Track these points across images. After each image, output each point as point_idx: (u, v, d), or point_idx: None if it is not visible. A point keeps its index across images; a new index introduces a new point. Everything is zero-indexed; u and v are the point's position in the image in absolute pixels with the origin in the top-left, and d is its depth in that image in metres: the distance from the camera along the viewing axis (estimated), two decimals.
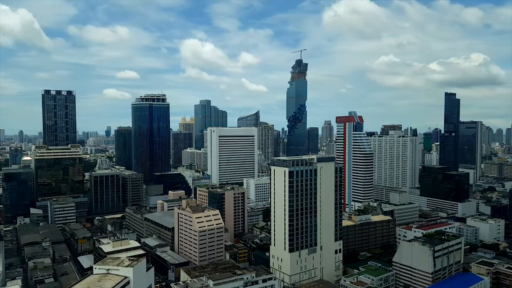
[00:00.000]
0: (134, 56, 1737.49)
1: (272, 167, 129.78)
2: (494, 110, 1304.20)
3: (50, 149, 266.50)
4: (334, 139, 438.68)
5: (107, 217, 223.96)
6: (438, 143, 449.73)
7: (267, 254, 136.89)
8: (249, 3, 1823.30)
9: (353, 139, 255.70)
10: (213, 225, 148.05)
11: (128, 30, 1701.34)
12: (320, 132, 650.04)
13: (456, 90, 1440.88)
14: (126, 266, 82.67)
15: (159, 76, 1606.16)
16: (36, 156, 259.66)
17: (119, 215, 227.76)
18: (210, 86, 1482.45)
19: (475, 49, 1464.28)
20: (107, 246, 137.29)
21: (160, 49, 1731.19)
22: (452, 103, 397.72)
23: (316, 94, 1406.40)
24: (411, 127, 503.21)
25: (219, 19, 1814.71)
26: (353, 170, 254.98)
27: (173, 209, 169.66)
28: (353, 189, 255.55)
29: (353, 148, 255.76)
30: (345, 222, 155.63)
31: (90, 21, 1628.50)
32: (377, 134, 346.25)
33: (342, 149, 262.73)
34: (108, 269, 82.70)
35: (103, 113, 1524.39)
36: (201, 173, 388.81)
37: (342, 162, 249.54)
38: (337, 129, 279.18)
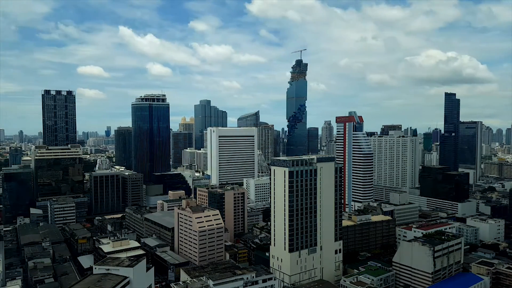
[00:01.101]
0: (114, 55, 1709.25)
1: (272, 167, 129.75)
2: (482, 110, 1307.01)
3: (50, 149, 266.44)
4: (334, 139, 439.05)
5: (107, 217, 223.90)
6: (438, 143, 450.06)
7: (267, 254, 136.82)
8: (222, 1, 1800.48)
9: (353, 139, 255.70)
10: (213, 225, 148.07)
11: (103, 29, 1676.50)
12: (320, 132, 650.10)
13: (441, 88, 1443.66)
14: (126, 266, 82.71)
15: (142, 76, 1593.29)
16: (36, 156, 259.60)
17: (119, 215, 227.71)
18: (189, 86, 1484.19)
19: (456, 47, 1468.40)
20: (107, 246, 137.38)
21: (136, 47, 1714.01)
22: (452, 103, 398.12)
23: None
24: (411, 127, 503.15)
25: (195, 17, 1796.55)
26: (353, 170, 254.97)
27: (173, 209, 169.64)
28: (353, 189, 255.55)
29: (353, 148, 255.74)
30: (345, 222, 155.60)
31: (62, 20, 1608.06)
32: (377, 134, 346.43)
33: (342, 149, 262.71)
34: (108, 269, 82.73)
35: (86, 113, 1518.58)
36: (201, 173, 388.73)
37: (342, 162, 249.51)
38: (337, 129, 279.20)
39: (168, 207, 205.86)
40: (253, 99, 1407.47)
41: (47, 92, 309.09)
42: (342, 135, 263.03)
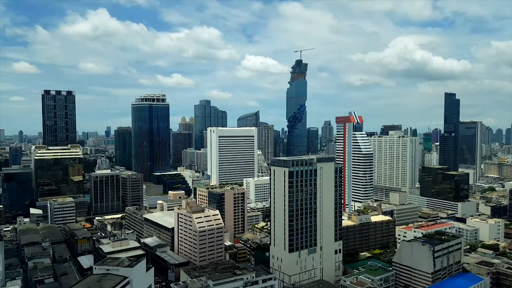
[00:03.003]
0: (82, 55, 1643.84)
1: (272, 167, 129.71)
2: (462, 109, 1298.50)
3: (50, 149, 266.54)
4: (334, 139, 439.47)
5: (107, 217, 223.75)
6: (438, 143, 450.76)
7: (267, 254, 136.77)
8: None
9: (353, 139, 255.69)
10: (213, 225, 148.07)
11: (58, 24, 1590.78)
12: (320, 132, 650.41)
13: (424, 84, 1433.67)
14: (126, 266, 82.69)
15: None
16: (36, 156, 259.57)
17: (119, 215, 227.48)
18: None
19: (429, 43, 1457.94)
20: (107, 246, 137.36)
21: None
22: (452, 104, 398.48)
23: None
24: (410, 127, 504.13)
25: (157, 12, 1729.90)
26: (353, 170, 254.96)
27: (173, 209, 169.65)
28: (353, 189, 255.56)
29: (353, 148, 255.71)
30: (345, 222, 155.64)
31: (16, 16, 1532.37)
32: (377, 134, 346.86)
33: (342, 149, 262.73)
34: (108, 269, 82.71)
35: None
36: (201, 173, 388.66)
37: (342, 162, 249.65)
38: (337, 129, 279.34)
39: (168, 207, 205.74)
40: (237, 98, 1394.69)
41: (46, 92, 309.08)
42: (342, 135, 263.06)
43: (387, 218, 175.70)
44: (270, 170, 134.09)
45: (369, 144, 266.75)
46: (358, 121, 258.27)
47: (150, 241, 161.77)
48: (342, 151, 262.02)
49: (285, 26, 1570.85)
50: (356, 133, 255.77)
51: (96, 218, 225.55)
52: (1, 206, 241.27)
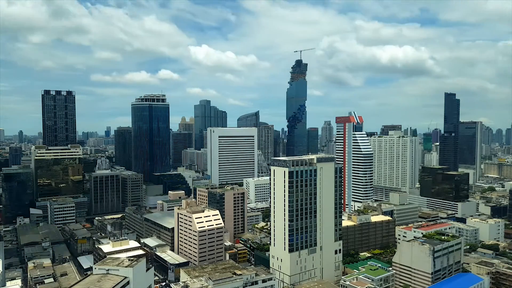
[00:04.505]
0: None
1: (272, 168, 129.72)
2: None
3: (50, 150, 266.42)
4: (334, 139, 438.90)
5: (107, 217, 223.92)
6: (438, 143, 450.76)
7: (267, 254, 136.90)
8: None
9: (353, 140, 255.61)
10: (213, 225, 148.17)
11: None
12: (320, 132, 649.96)
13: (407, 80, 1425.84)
14: (126, 266, 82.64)
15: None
16: (36, 156, 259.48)
17: (119, 215, 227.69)
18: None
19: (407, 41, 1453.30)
20: (106, 246, 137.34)
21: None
22: (451, 104, 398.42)
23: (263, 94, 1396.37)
24: (410, 127, 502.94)
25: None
26: (353, 170, 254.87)
27: (173, 209, 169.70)
28: (353, 189, 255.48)
29: (353, 148, 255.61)
30: (345, 222, 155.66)
31: None
32: (377, 134, 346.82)
33: (342, 149, 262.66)
34: (108, 269, 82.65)
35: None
36: (201, 173, 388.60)
37: (342, 162, 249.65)
38: (336, 129, 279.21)
39: (168, 207, 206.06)
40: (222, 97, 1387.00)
41: (46, 92, 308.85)
42: (342, 135, 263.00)
43: (387, 218, 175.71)
44: (270, 170, 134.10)
45: (369, 144, 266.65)
46: (358, 121, 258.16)
47: (150, 241, 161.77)
48: (342, 151, 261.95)
49: (256, 22, 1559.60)
50: (356, 133, 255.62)
51: (96, 218, 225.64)
52: (1, 206, 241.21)
